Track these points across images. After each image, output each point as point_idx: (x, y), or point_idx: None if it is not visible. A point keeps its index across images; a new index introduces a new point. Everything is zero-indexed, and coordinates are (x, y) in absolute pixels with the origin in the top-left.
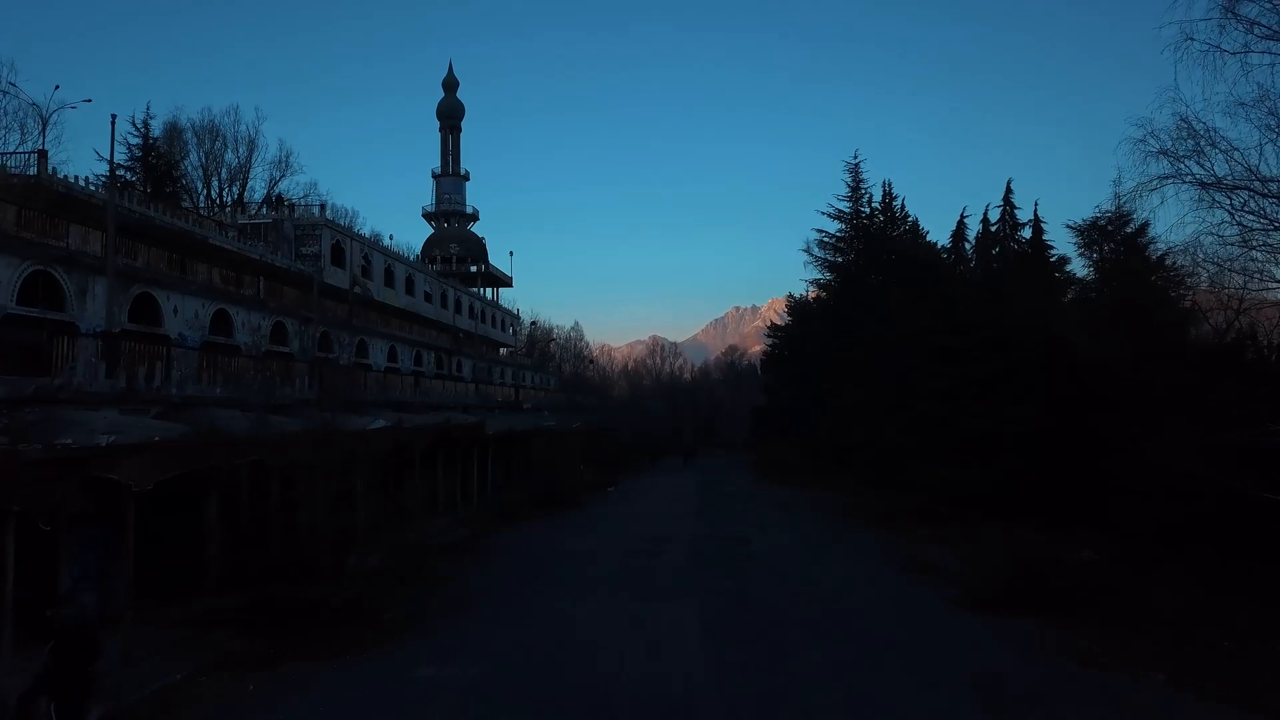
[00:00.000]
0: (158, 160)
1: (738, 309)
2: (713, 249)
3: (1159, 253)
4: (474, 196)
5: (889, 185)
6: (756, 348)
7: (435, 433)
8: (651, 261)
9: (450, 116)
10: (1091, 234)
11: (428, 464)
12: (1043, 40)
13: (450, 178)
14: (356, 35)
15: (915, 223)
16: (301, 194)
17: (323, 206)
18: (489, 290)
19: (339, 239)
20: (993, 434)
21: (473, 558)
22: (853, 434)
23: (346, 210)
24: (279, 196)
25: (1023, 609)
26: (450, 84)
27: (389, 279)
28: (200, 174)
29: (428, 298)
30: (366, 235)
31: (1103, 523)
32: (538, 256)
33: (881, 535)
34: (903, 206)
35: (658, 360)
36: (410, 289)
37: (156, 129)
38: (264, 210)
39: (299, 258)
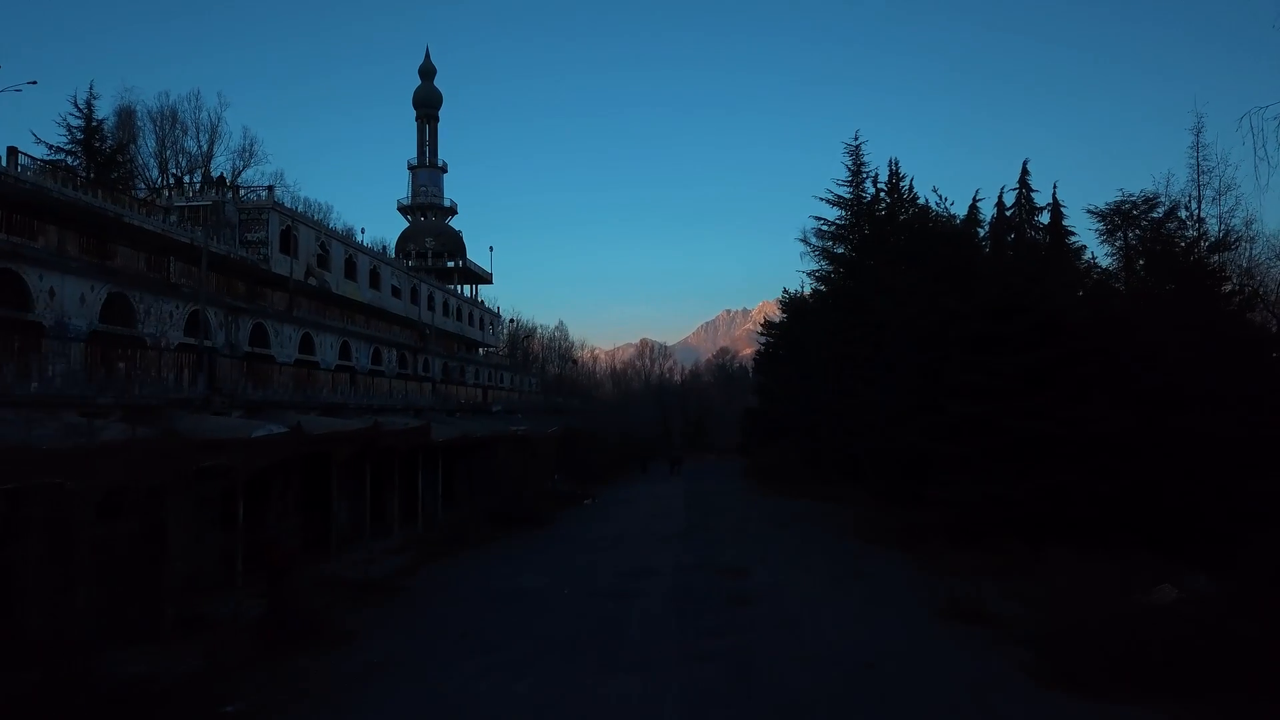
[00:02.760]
0: (101, 143)
1: (729, 312)
2: (704, 251)
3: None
4: (458, 195)
5: (895, 163)
6: (748, 350)
7: (358, 440)
8: (641, 263)
9: (427, 105)
10: (1115, 219)
11: (354, 478)
12: (1044, 26)
13: (427, 169)
14: (331, 20)
15: (926, 204)
16: (267, 184)
17: (270, 189)
18: (467, 287)
19: (289, 224)
20: (1049, 439)
21: (396, 601)
22: (863, 439)
23: (320, 204)
24: (220, 176)
25: (1139, 689)
26: (427, 71)
27: (350, 270)
28: (156, 162)
29: (395, 292)
30: (339, 230)
31: (1186, 550)
32: (525, 258)
33: (910, 565)
34: (911, 187)
35: (647, 362)
36: (375, 282)
37: (104, 110)
38: (207, 191)
39: (244, 244)
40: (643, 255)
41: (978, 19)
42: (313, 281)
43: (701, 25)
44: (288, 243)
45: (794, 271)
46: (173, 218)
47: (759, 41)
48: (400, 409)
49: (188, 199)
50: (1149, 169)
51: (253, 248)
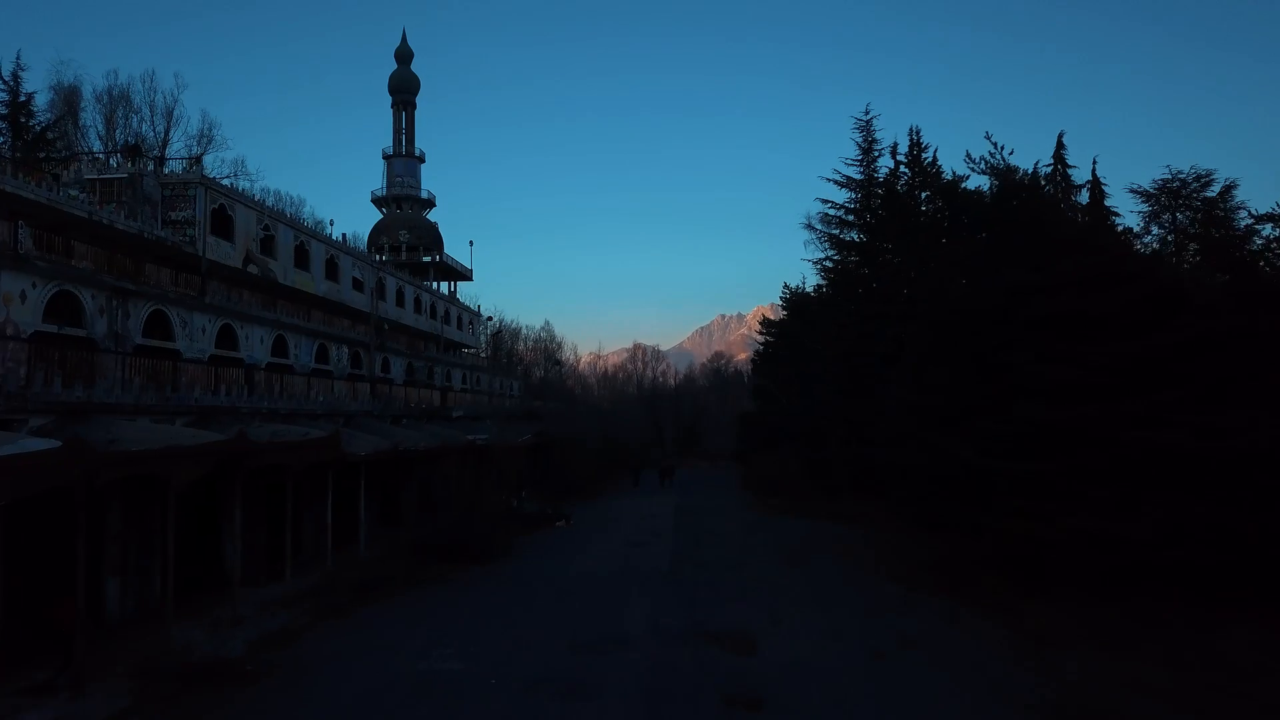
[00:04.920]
0: (29, 120)
1: (723, 316)
2: (699, 255)
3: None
4: (451, 196)
5: (916, 132)
6: (743, 355)
7: (211, 457)
8: (635, 268)
9: (403, 91)
10: (1162, 198)
11: (215, 507)
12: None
13: (402, 158)
14: (314, 11)
15: (954, 178)
16: (227, 172)
17: (198, 158)
18: (446, 284)
19: (223, 202)
20: (1175, 454)
21: (235, 702)
22: (885, 448)
23: (293, 198)
24: (135, 145)
25: None
26: (404, 55)
27: (302, 259)
28: (104, 145)
29: (357, 285)
30: (310, 223)
31: None
32: (518, 261)
33: (974, 624)
34: (934, 160)
35: (639, 365)
36: (333, 273)
37: (35, 84)
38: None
39: (167, 224)
40: (637, 259)
41: (975, 19)
42: (253, 269)
43: (701, 28)
44: (222, 224)
45: (796, 260)
46: (73, 190)
47: (759, 43)
48: (321, 414)
49: (98, 171)
50: (1181, 155)
51: (177, 228)
